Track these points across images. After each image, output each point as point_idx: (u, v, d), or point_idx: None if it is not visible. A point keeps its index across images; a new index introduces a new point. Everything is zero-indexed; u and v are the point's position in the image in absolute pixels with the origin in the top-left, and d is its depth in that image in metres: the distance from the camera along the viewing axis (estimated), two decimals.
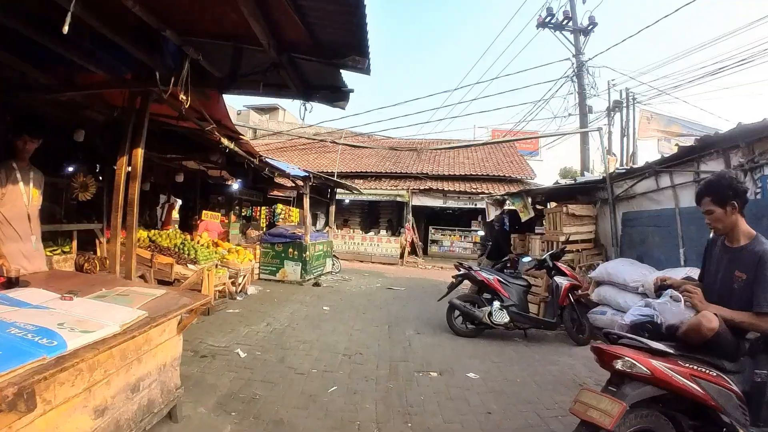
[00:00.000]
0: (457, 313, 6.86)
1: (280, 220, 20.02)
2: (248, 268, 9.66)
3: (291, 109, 36.97)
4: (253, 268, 10.09)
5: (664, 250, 6.95)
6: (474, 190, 18.59)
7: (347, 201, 20.69)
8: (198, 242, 10.02)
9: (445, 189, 18.62)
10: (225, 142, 5.59)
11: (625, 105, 21.27)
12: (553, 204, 10.28)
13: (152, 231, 9.56)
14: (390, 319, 7.90)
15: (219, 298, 8.26)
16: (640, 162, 9.03)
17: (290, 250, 11.46)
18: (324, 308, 8.44)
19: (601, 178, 8.45)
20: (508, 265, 9.43)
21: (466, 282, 7.49)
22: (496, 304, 6.60)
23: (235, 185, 12.16)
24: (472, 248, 21.15)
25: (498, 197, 10.88)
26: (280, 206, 19.94)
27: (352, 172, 20.62)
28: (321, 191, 13.87)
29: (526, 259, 8.00)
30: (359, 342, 6.19)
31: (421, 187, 18.69)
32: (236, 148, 6.36)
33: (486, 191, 18.53)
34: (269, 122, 34.94)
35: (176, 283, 7.88)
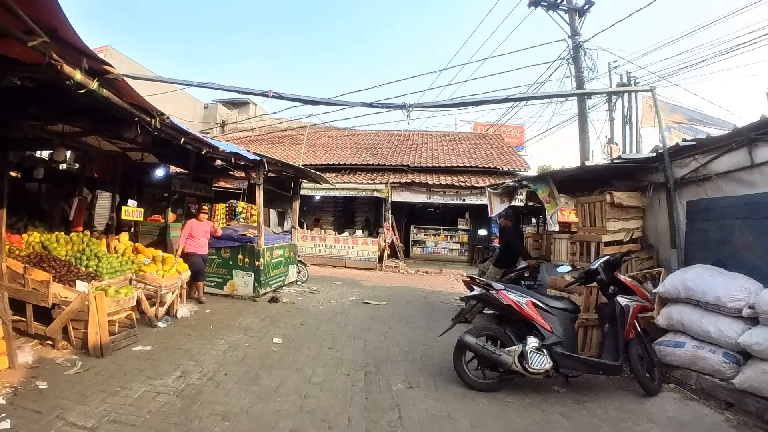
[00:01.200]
0: (469, 354, 4.53)
1: (241, 219, 17.55)
2: (177, 283, 7.20)
3: (263, 104, 34.49)
4: (183, 282, 7.63)
5: (762, 252, 4.76)
6: (462, 184, 16.37)
7: (318, 197, 18.29)
8: (115, 248, 7.57)
9: (429, 183, 16.35)
10: (77, 76, 3.13)
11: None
12: (560, 196, 8.12)
13: (53, 234, 7.09)
14: (368, 358, 5.54)
15: (124, 329, 5.83)
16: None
17: (240, 256, 9.06)
18: (274, 340, 6.06)
19: (653, 155, 6.21)
20: (526, 275, 7.17)
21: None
22: (533, 341, 4.30)
23: (160, 171, 9.53)
24: (459, 250, 18.98)
25: (509, 184, 8.51)
26: (241, 204, 17.47)
27: (323, 164, 18.19)
28: (282, 184, 11.42)
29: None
30: (317, 412, 3.83)
31: (402, 181, 16.39)
32: (106, 93, 3.73)
33: (476, 184, 16.35)
34: (239, 117, 32.26)
35: (56, 309, 5.42)
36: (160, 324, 6.64)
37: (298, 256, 11.81)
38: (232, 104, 33.21)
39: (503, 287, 4.73)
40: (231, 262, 9.16)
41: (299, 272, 11.55)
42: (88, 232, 7.68)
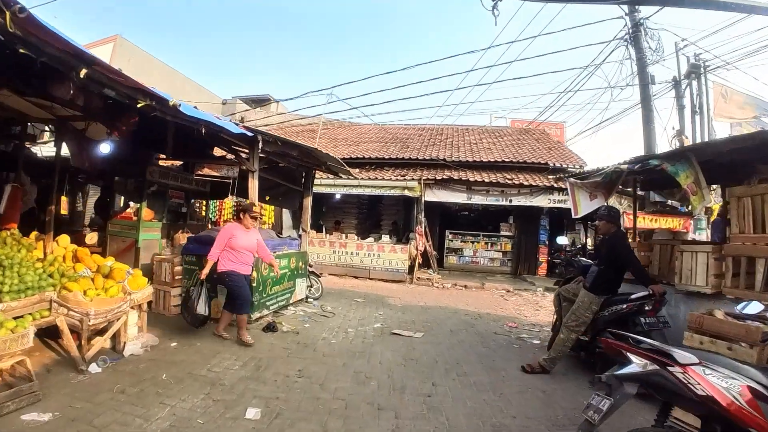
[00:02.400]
0: None
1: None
2: (118, 308, 4.96)
3: (285, 102, 32.76)
4: (141, 303, 5.42)
5: None
6: (509, 181, 13.84)
7: (338, 196, 16.00)
8: (48, 257, 5.41)
9: (470, 180, 13.86)
10: None
11: (692, 76, 16.74)
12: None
13: None
14: None
15: (20, 380, 3.66)
16: None
17: None
18: (249, 415, 3.77)
19: None
20: (647, 308, 4.68)
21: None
22: None
23: (105, 147, 7.07)
24: (502, 259, 16.46)
25: (617, 167, 5.59)
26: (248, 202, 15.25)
27: (345, 158, 15.86)
28: (292, 175, 9.13)
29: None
30: None
31: (438, 177, 13.94)
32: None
33: (524, 182, 13.83)
34: (259, 114, 30.39)
35: None
36: (92, 367, 4.46)
37: (311, 266, 9.54)
38: (252, 101, 31.44)
39: (693, 359, 2.29)
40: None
41: (310, 287, 9.31)
42: (15, 230, 5.52)
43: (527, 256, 16.12)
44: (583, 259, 6.29)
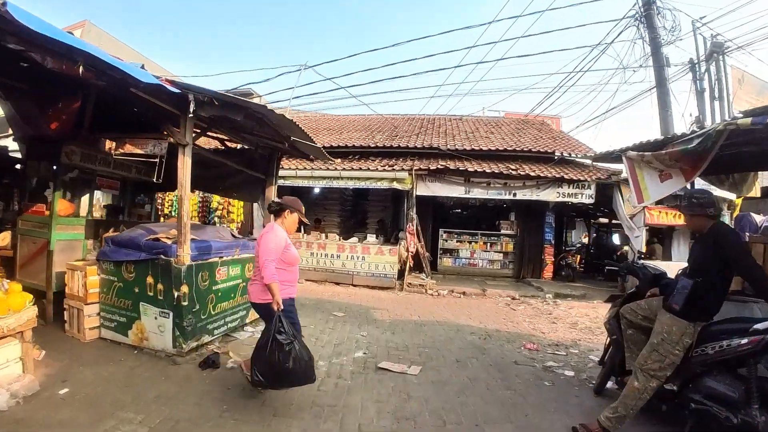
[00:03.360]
0: None
1: (216, 219, 13.59)
2: None
3: (267, 96, 30.87)
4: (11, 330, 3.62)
5: None
6: (513, 172, 12.11)
7: (318, 190, 14.15)
8: None
9: (469, 170, 12.08)
10: None
11: (707, 58, 15.21)
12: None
13: None
14: None
15: None
16: None
17: (149, 279, 5.03)
18: None
19: None
20: None
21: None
22: None
23: None
24: (503, 261, 14.74)
25: (716, 129, 3.67)
26: (217, 198, 13.48)
27: (327, 147, 14.01)
28: (251, 159, 7.27)
29: None
30: None
31: (432, 167, 12.14)
32: None
33: (531, 173, 12.12)
34: None
35: None
36: None
37: None
38: (234, 95, 29.54)
39: None
40: (137, 289, 5.13)
41: None
42: None
43: (531, 258, 14.41)
44: (650, 265, 4.48)
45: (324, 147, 13.66)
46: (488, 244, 14.78)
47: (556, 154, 13.72)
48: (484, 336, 7.10)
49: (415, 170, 11.95)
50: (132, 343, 5.22)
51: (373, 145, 13.84)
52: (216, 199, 13.50)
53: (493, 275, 14.44)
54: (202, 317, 5.20)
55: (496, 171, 12.05)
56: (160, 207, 14.86)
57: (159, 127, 5.15)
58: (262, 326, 6.58)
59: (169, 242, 4.98)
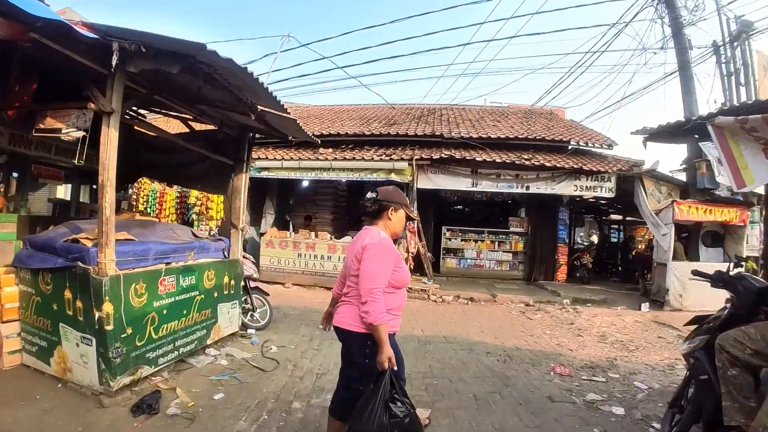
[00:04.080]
0: None
1: (194, 216, 12.37)
2: None
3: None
4: None
5: None
6: (528, 162, 10.90)
7: (307, 182, 12.91)
8: None
9: (477, 159, 10.84)
10: None
11: (734, 39, 13.99)
12: None
13: None
14: None
15: None
16: None
17: (66, 293, 3.81)
18: None
19: None
20: None
21: None
22: None
23: None
24: (512, 262, 13.53)
25: None
26: (195, 193, 12.24)
27: (317, 135, 12.73)
28: (219, 143, 6.00)
29: None
30: None
31: (435, 156, 10.91)
32: None
33: (547, 163, 10.91)
34: None
35: None
36: None
37: (253, 279, 6.54)
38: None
39: None
40: (55, 306, 3.95)
41: (251, 311, 6.33)
42: None
43: (543, 258, 13.21)
44: (752, 276, 3.24)
45: (314, 135, 12.52)
46: (496, 243, 13.57)
47: (572, 143, 12.50)
48: (503, 356, 5.88)
49: (416, 160, 10.70)
50: (55, 373, 4.05)
51: (368, 133, 12.58)
52: (194, 195, 12.26)
53: (501, 277, 13.25)
54: (138, 344, 3.96)
55: (507, 161, 10.81)
56: (135, 202, 13.68)
57: (82, 92, 3.90)
58: (230, 347, 5.41)
59: (88, 245, 3.75)
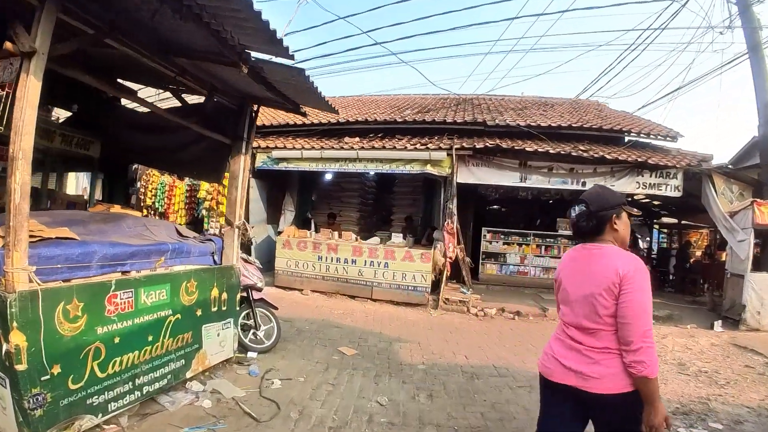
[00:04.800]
0: None
1: (203, 212, 11.39)
2: None
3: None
4: None
5: None
6: (586, 154, 9.51)
7: (330, 176, 11.77)
8: None
9: (527, 150, 9.48)
10: None
11: None
12: None
13: None
14: None
15: None
16: None
17: None
18: None
19: None
20: None
21: None
22: None
23: None
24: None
25: None
26: (205, 186, 11.28)
27: (343, 122, 11.56)
28: (215, 119, 4.80)
29: None
30: None
31: (478, 146, 9.58)
32: None
33: (609, 156, 9.54)
34: None
35: None
36: None
37: (258, 290, 5.41)
38: None
39: None
40: None
41: (253, 330, 5.21)
42: None
43: None
44: None
45: (339, 123, 11.35)
46: (542, 248, 12.16)
47: (631, 133, 11.04)
48: None
49: (456, 150, 9.37)
50: None
51: (399, 120, 11.28)
52: (204, 187, 11.22)
53: (548, 286, 11.82)
54: (73, 387, 2.82)
55: (563, 152, 9.43)
56: (143, 195, 12.76)
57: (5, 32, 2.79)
58: (219, 379, 4.25)
59: None
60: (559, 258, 11.77)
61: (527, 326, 8.20)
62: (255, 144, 10.98)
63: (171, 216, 12.26)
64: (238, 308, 4.89)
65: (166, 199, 12.30)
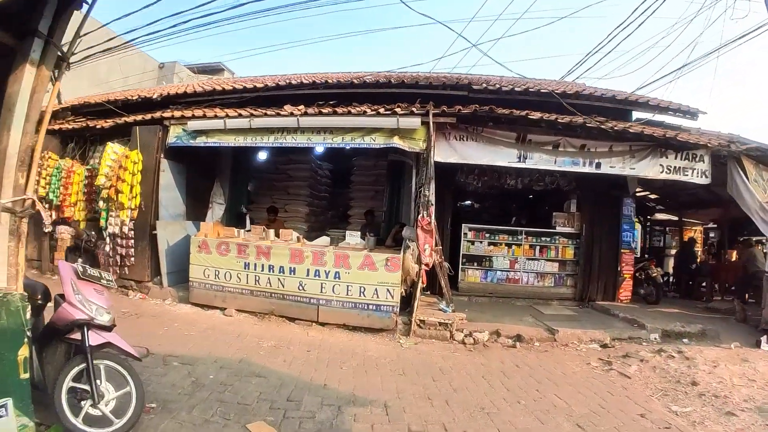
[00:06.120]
0: None
1: (100, 203, 8.95)
2: None
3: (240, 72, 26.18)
4: None
5: None
6: (604, 126, 7.43)
7: (270, 159, 9.52)
8: None
9: (531, 117, 7.28)
10: None
11: None
12: None
13: None
14: None
15: None
16: None
17: None
18: None
19: None
20: None
21: None
22: None
23: None
24: (557, 275, 10.10)
25: None
26: (103, 168, 8.85)
27: (280, 85, 9.14)
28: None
29: None
30: None
31: (464, 111, 7.32)
32: None
33: (632, 129, 7.49)
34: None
35: None
36: None
37: (104, 329, 3.12)
38: (202, 71, 25.08)
39: None
40: None
41: (89, 403, 2.98)
42: None
43: (602, 269, 9.74)
44: None
45: (278, 86, 8.99)
46: (537, 249, 10.08)
47: (649, 105, 9.07)
48: None
49: (435, 115, 7.13)
50: None
51: (358, 83, 8.91)
52: (102, 171, 8.65)
53: (544, 296, 9.79)
54: None
55: (573, 123, 7.32)
56: (36, 185, 10.11)
57: None
58: None
59: None
60: (557, 260, 9.80)
61: (536, 358, 6.09)
62: (168, 114, 8.55)
63: (67, 210, 9.76)
64: (66, 361, 3.06)
65: (62, 188, 9.77)
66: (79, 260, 3.44)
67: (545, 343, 6.83)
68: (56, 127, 10.27)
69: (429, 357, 5.86)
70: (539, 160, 7.73)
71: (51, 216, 9.97)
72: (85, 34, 3.08)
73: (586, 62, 10.85)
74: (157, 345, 5.37)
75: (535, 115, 7.35)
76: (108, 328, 3.36)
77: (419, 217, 6.91)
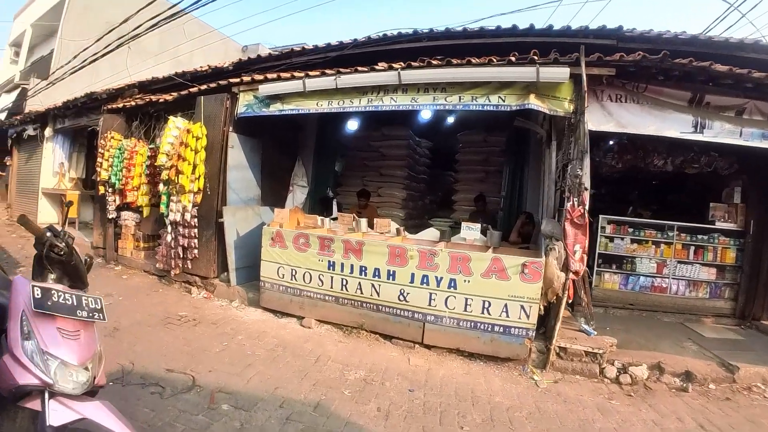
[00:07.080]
0: None
1: (161, 187, 7.91)
2: None
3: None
4: None
5: None
6: None
7: (353, 123, 8.77)
8: None
9: (716, 68, 5.31)
10: None
11: None
12: None
13: None
14: None
15: None
16: None
17: None
18: None
19: None
20: None
21: None
22: None
23: None
24: (713, 283, 7.95)
25: None
26: (163, 147, 7.89)
27: (372, 38, 7.48)
28: None
29: None
30: None
31: (628, 59, 5.41)
32: None
33: None
34: None
35: None
36: None
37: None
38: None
39: None
40: None
41: None
42: None
43: None
44: None
45: (370, 41, 7.51)
46: (690, 250, 8.03)
47: None
48: None
49: (587, 64, 5.33)
50: None
51: (474, 31, 7.00)
52: (163, 149, 7.63)
53: (695, 311, 7.73)
54: None
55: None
56: (99, 166, 9.48)
57: None
58: None
59: None
60: (714, 265, 7.71)
61: (721, 413, 4.37)
62: (236, 79, 7.30)
63: (130, 195, 8.93)
64: None
65: (124, 170, 8.92)
66: (51, 276, 2.07)
67: (722, 385, 4.98)
68: (120, 105, 9.51)
69: (578, 408, 4.21)
70: (721, 131, 5.68)
71: (115, 201, 9.31)
72: None
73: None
74: (208, 371, 4.12)
75: (721, 68, 5.36)
76: (92, 393, 2.00)
77: (568, 206, 5.14)
